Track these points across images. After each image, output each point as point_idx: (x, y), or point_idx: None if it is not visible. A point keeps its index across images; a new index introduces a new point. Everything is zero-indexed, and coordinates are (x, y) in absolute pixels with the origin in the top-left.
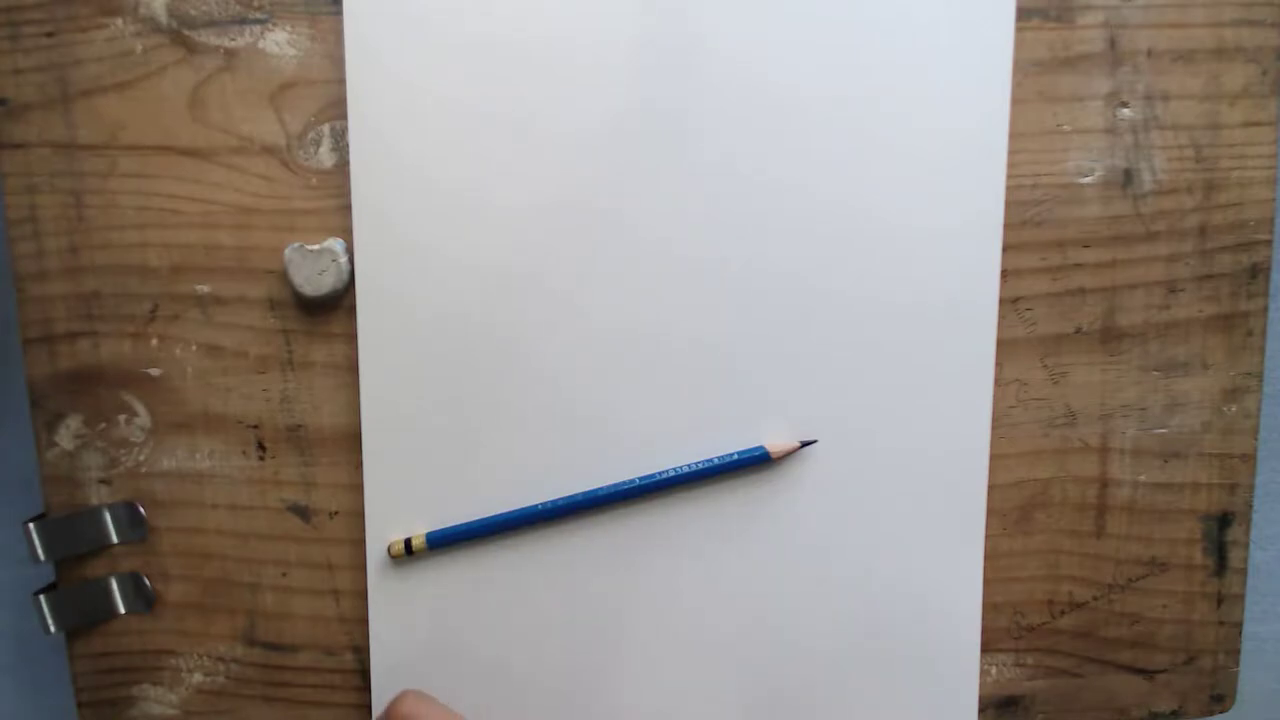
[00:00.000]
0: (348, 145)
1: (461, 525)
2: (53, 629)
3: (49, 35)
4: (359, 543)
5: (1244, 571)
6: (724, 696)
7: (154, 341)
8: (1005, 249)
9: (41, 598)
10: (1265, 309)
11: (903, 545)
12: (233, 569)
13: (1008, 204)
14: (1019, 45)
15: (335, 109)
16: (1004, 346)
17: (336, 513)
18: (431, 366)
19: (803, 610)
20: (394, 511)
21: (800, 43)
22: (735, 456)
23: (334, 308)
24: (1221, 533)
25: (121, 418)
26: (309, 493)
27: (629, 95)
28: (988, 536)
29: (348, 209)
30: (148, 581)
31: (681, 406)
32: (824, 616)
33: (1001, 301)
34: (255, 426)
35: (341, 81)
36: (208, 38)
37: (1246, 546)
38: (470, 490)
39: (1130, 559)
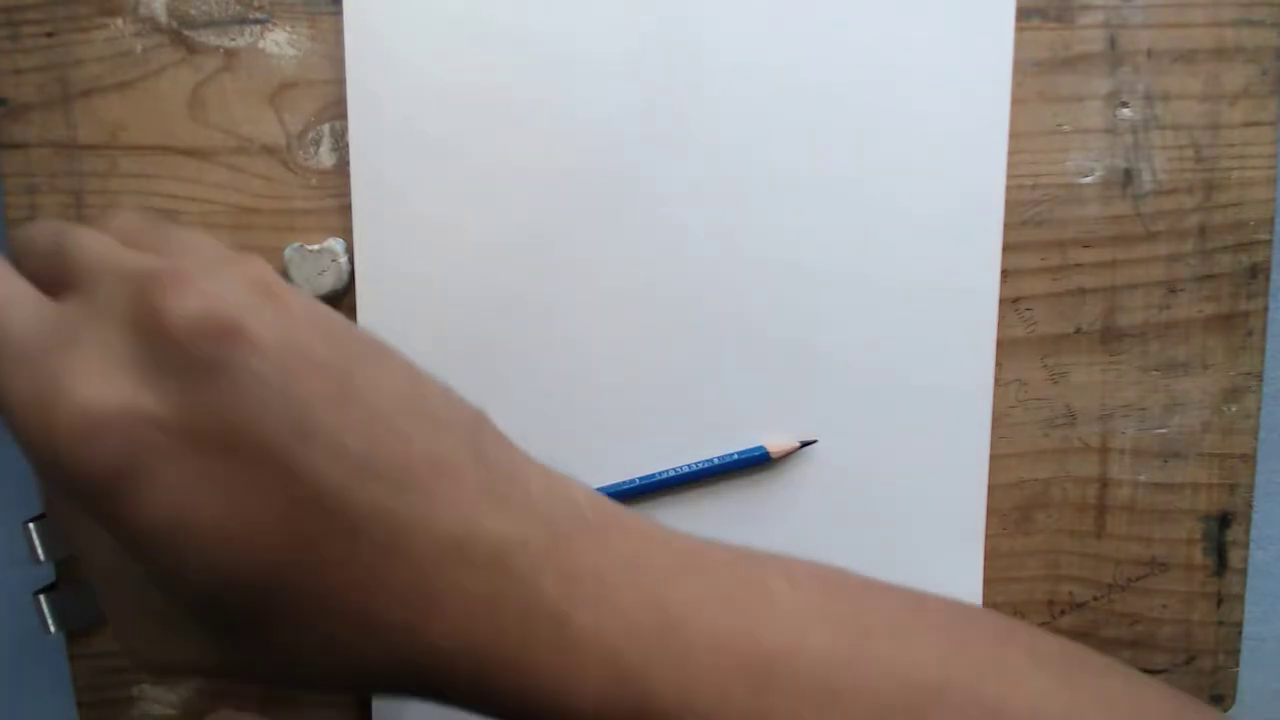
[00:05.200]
0: (348, 145)
1: None
2: (53, 629)
3: (49, 35)
4: None
5: (1244, 571)
6: None
7: None
8: (1005, 249)
9: (41, 598)
10: (1265, 309)
11: (903, 545)
12: None
13: (1007, 204)
14: (1019, 45)
15: (335, 109)
16: (1004, 346)
17: None
18: (431, 368)
19: None
20: None
21: (800, 44)
22: (735, 456)
23: (334, 308)
24: (1221, 533)
25: None
26: None
27: (628, 96)
28: (988, 536)
29: (348, 209)
30: None
31: (681, 406)
32: None
33: (1001, 301)
34: None
35: (341, 81)
36: (208, 38)
37: (1246, 546)
38: None
39: (1130, 559)
